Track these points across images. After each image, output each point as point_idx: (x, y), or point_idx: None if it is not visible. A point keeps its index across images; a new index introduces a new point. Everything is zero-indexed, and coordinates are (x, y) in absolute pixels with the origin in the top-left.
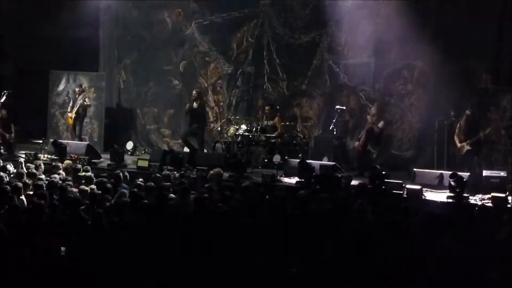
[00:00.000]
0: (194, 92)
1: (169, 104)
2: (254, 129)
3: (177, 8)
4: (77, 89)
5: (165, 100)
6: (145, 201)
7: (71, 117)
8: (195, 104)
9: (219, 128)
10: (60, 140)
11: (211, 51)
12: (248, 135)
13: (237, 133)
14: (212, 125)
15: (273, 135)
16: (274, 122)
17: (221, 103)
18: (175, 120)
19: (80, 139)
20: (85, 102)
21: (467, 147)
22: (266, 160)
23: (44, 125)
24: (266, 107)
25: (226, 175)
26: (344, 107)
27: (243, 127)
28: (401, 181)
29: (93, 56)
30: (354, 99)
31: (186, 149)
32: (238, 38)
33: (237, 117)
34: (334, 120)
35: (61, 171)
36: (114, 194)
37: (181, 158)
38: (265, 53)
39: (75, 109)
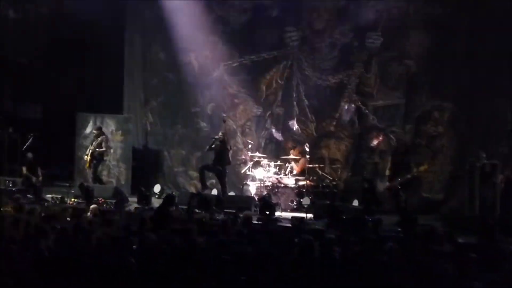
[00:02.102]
0: (220, 133)
1: (197, 146)
2: (282, 171)
3: (205, 51)
4: (94, 132)
5: (192, 142)
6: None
7: (86, 160)
8: (217, 144)
9: (247, 171)
10: (87, 184)
11: (240, 92)
12: (277, 178)
13: (265, 175)
14: (240, 166)
15: (302, 178)
16: (300, 163)
17: (249, 145)
18: (203, 162)
19: (95, 182)
20: (98, 149)
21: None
22: (295, 203)
23: (71, 168)
24: (296, 149)
25: (254, 218)
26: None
27: (272, 169)
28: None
29: (116, 99)
30: (384, 140)
31: (214, 192)
32: (267, 80)
33: (266, 159)
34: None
35: (88, 214)
36: (140, 237)
37: (209, 201)
38: (294, 95)
39: (89, 151)
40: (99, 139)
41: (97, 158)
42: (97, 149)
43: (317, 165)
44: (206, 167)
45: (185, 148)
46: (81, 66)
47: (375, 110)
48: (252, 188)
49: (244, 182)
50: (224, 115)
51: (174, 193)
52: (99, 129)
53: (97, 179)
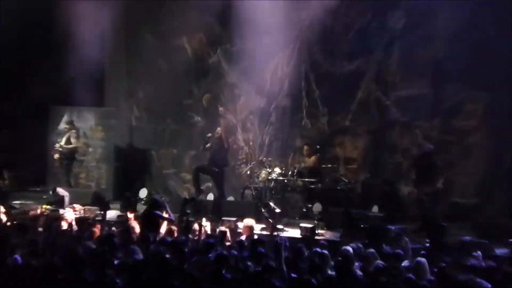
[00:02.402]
0: (217, 129)
1: (190, 145)
2: (290, 173)
3: (199, 32)
4: (65, 126)
5: (185, 139)
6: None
7: (55, 158)
8: (214, 142)
9: (248, 172)
10: (61, 188)
11: (240, 82)
12: (283, 180)
13: (270, 177)
14: (241, 167)
15: (313, 180)
16: (310, 163)
17: (251, 143)
18: (197, 163)
19: (69, 185)
20: (66, 145)
21: None
22: (304, 210)
23: (44, 170)
24: (305, 147)
25: (257, 227)
26: None
27: (277, 170)
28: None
29: (97, 89)
30: (408, 137)
31: (210, 197)
32: (272, 67)
33: (270, 158)
34: None
35: (63, 223)
36: (123, 250)
37: (204, 207)
38: (303, 84)
39: (57, 148)
40: (67, 134)
41: (68, 157)
42: (65, 146)
43: (330, 165)
44: (200, 168)
45: (177, 147)
46: (55, 52)
47: (398, 101)
48: (255, 193)
49: (245, 186)
50: (221, 108)
51: (163, 198)
52: (70, 123)
53: (70, 182)
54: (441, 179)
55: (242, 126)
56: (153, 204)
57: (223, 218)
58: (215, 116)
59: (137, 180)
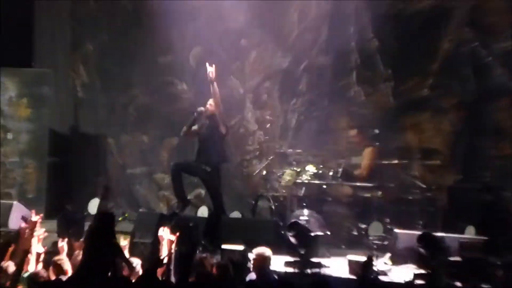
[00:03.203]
0: (208, 103)
1: (170, 127)
2: (331, 174)
3: None
4: None
5: (162, 120)
6: None
7: None
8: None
9: (264, 172)
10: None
11: (250, 28)
12: (321, 185)
13: (298, 180)
14: (252, 164)
15: (369, 185)
16: (364, 158)
17: (268, 125)
18: (182, 156)
19: None
20: None
21: None
22: (355, 233)
23: None
24: (355, 132)
25: (278, 260)
26: None
27: (311, 169)
28: None
29: (21, 39)
30: None
31: (203, 212)
32: (300, 4)
33: (299, 150)
34: None
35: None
36: None
37: (192, 229)
38: (351, 30)
39: None
40: None
41: None
42: None
43: (396, 161)
44: (183, 166)
45: (148, 132)
46: None
47: (504, 56)
48: (274, 205)
49: (258, 194)
50: (211, 68)
51: (126, 215)
52: None
53: None
54: None
55: (254, 98)
56: (101, 222)
57: (223, 247)
58: (208, 82)
59: (84, 185)
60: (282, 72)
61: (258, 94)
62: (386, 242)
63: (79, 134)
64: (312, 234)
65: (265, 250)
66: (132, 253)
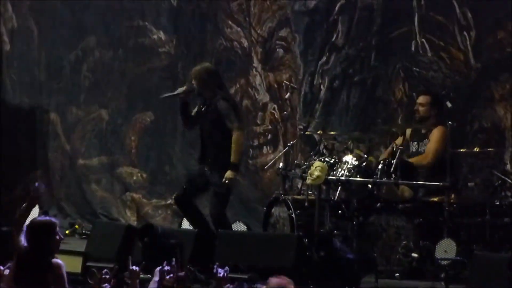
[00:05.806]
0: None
1: (142, 98)
2: (380, 166)
3: None
4: None
5: (130, 86)
6: None
7: None
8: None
9: (281, 164)
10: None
11: None
12: (365, 183)
13: (332, 176)
14: (262, 151)
15: (437, 184)
16: (431, 141)
17: (287, 94)
18: (158, 140)
19: None
20: None
21: None
22: (415, 255)
23: None
24: (420, 99)
25: None
26: None
27: (349, 159)
28: None
29: None
30: None
31: (186, 224)
32: None
33: (333, 132)
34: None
35: None
36: None
37: (173, 247)
38: None
39: None
40: None
41: None
42: None
43: (477, 149)
44: (191, 192)
45: (109, 104)
46: None
47: None
48: (296, 213)
49: (273, 197)
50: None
51: (76, 226)
52: None
53: None
54: None
55: (264, 54)
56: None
57: (220, 275)
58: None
59: (13, 184)
60: (307, 14)
61: (270, 48)
62: (461, 270)
63: (6, 107)
64: (351, 256)
65: (283, 280)
66: (85, 284)
